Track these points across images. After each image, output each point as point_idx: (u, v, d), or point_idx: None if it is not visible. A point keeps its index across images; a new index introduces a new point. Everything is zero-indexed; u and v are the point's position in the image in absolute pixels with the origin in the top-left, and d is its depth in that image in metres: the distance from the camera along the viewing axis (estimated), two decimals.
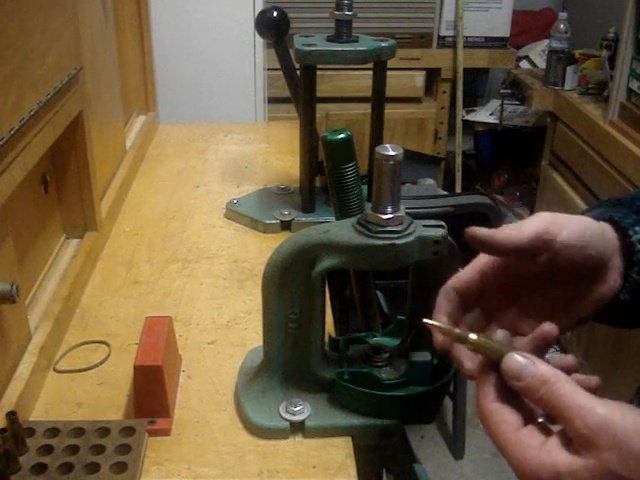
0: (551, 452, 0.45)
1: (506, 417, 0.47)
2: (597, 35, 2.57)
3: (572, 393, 0.45)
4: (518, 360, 0.47)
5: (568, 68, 2.42)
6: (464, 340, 0.50)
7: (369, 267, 0.82)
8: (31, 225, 1.00)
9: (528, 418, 0.48)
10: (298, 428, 0.79)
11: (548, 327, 0.52)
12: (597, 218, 0.59)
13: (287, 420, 0.79)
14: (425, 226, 0.73)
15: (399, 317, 0.86)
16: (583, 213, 0.62)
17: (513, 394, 0.48)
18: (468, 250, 0.73)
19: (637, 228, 0.58)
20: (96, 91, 1.23)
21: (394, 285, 0.94)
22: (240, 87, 2.11)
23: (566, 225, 0.56)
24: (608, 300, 0.59)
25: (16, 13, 0.83)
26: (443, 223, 0.74)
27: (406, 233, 0.71)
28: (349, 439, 0.79)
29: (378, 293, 0.92)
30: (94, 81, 1.21)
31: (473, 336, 0.50)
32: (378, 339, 0.86)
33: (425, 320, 0.53)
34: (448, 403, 2.19)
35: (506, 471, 2.17)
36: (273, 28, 1.30)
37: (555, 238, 0.56)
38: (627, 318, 0.61)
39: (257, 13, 1.33)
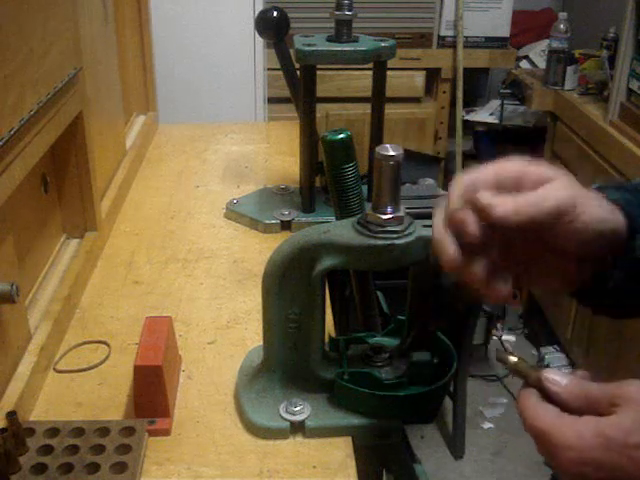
0: (590, 419, 0.48)
1: (545, 405, 0.51)
2: (597, 35, 2.57)
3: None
4: (558, 371, 0.52)
5: (568, 68, 2.42)
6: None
7: (369, 267, 0.82)
8: (31, 225, 1.00)
9: None
10: (298, 428, 0.79)
11: (582, 373, 0.54)
12: (612, 201, 0.58)
13: (287, 420, 0.79)
14: (425, 226, 0.73)
15: (399, 317, 0.86)
16: (597, 188, 0.61)
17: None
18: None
19: None
20: (96, 91, 1.23)
21: (394, 285, 0.94)
22: (240, 87, 2.11)
23: (587, 208, 0.55)
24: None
25: (16, 13, 0.83)
26: None
27: (406, 233, 0.71)
28: (349, 439, 0.79)
29: (378, 293, 0.92)
30: (94, 81, 1.21)
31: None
32: (378, 339, 0.86)
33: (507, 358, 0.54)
34: (448, 403, 2.19)
35: (506, 471, 2.18)
36: (273, 28, 1.30)
37: (575, 219, 0.54)
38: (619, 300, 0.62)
39: (257, 13, 1.33)
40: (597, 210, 0.56)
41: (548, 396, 0.51)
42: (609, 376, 0.50)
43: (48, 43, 0.94)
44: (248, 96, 2.12)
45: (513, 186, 0.56)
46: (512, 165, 0.57)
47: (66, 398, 0.86)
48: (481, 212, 0.53)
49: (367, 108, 1.31)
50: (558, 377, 0.51)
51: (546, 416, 0.49)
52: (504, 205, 0.52)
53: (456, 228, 0.54)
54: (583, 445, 0.47)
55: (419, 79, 2.72)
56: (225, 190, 1.43)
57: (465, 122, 2.90)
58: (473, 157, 3.14)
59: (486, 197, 0.53)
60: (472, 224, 0.53)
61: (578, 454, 0.47)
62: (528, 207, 0.52)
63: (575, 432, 0.47)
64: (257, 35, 1.35)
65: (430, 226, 0.73)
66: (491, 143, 3.04)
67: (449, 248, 0.55)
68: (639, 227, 0.58)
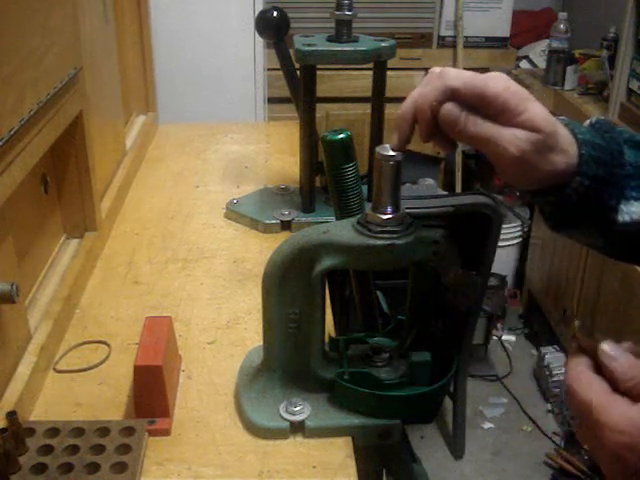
0: None
1: (597, 380, 0.49)
2: (597, 35, 2.57)
3: None
4: (615, 345, 0.49)
5: (568, 68, 2.42)
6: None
7: (369, 267, 0.82)
8: (31, 225, 1.00)
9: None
10: (298, 428, 0.79)
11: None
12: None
13: (287, 420, 0.79)
14: (425, 226, 0.73)
15: (399, 317, 0.86)
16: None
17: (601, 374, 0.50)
18: (468, 250, 0.73)
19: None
20: (96, 91, 1.23)
21: (394, 285, 0.94)
22: (240, 87, 2.11)
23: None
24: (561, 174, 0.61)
25: (16, 13, 0.83)
26: (443, 223, 0.74)
27: (406, 233, 0.71)
28: (349, 439, 0.79)
29: (378, 293, 0.92)
30: (94, 81, 1.21)
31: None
32: (378, 339, 0.86)
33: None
34: (448, 403, 2.19)
35: (506, 471, 2.18)
36: (273, 28, 1.30)
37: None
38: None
39: (257, 13, 1.33)
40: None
41: (599, 367, 0.49)
42: None
43: (48, 43, 0.94)
44: (248, 96, 2.12)
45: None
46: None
47: (66, 398, 0.86)
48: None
49: (367, 108, 1.31)
50: (616, 352, 0.49)
51: (599, 390, 0.48)
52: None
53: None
54: (634, 432, 0.46)
55: (419, 79, 2.72)
56: (225, 190, 1.43)
57: None
58: (473, 157, 3.14)
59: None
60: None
61: (628, 439, 0.46)
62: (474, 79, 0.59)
63: (628, 417, 0.47)
64: (257, 35, 1.35)
65: (430, 226, 0.73)
66: None
67: (406, 127, 0.64)
68: (581, 170, 0.61)
